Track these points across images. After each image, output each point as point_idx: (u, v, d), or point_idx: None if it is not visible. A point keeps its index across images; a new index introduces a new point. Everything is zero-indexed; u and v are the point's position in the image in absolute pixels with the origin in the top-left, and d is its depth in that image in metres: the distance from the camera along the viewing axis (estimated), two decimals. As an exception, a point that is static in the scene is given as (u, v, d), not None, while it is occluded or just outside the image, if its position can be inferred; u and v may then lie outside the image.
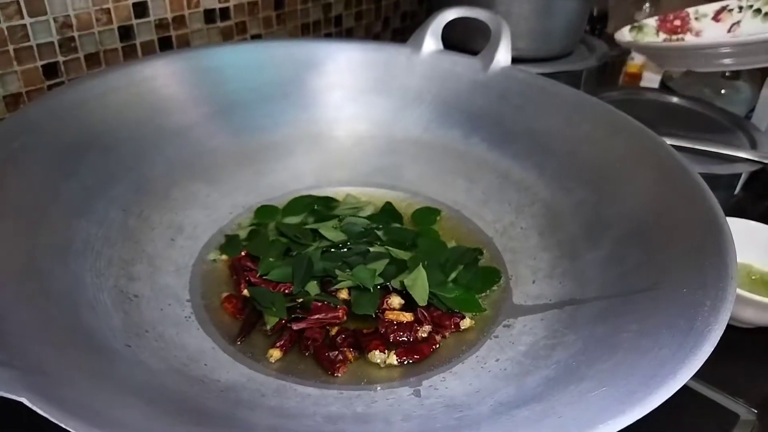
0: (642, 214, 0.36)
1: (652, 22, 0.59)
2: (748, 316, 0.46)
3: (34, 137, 0.36)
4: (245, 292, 0.36)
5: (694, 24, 0.61)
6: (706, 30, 0.61)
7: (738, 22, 0.60)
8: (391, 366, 0.33)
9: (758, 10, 0.60)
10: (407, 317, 0.36)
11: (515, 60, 0.51)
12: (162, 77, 0.44)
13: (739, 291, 0.44)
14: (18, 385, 0.19)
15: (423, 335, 0.35)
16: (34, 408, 0.18)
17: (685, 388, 0.41)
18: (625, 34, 0.57)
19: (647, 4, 0.81)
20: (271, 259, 0.39)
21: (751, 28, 0.59)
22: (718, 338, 0.24)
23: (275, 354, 0.33)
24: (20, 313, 0.25)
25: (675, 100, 0.64)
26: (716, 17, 0.61)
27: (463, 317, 0.36)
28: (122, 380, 0.25)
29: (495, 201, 0.45)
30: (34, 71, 0.46)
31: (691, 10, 0.61)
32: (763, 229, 0.50)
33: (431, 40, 0.50)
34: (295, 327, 0.34)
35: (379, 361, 0.33)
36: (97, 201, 0.37)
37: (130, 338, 0.29)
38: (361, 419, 0.27)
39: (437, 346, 0.34)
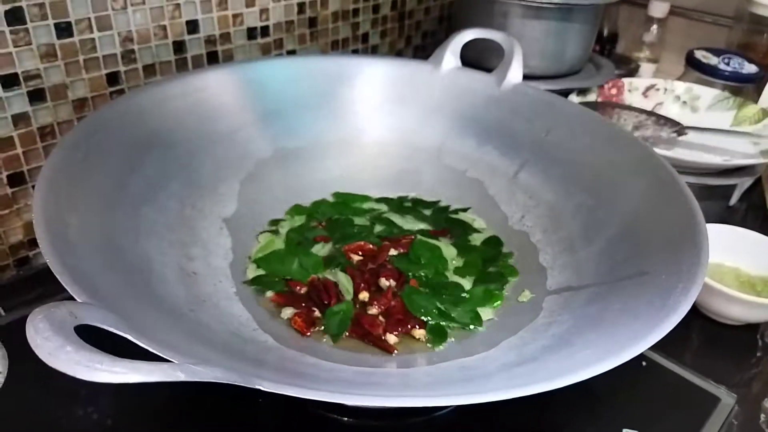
0: (632, 215, 0.41)
1: (594, 90, 0.66)
2: (734, 313, 0.50)
3: (106, 135, 0.42)
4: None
5: (626, 96, 0.68)
6: (635, 104, 0.68)
7: (661, 103, 0.68)
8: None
9: (678, 97, 0.68)
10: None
11: (528, 77, 0.56)
12: (212, 87, 0.50)
13: (727, 290, 0.49)
14: (111, 320, 0.24)
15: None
16: (123, 334, 0.24)
17: (673, 374, 0.46)
18: (572, 99, 0.64)
19: (655, 26, 0.86)
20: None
21: (670, 112, 0.67)
22: (687, 310, 0.29)
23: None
24: (106, 276, 0.31)
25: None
26: (645, 93, 0.69)
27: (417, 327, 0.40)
28: (189, 333, 0.30)
29: (504, 203, 0.50)
30: (99, 79, 0.52)
31: (626, 81, 0.68)
32: (751, 235, 0.55)
33: (451, 58, 0.56)
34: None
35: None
36: (159, 192, 0.42)
37: (192, 305, 0.35)
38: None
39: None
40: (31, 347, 0.20)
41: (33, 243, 0.54)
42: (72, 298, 0.26)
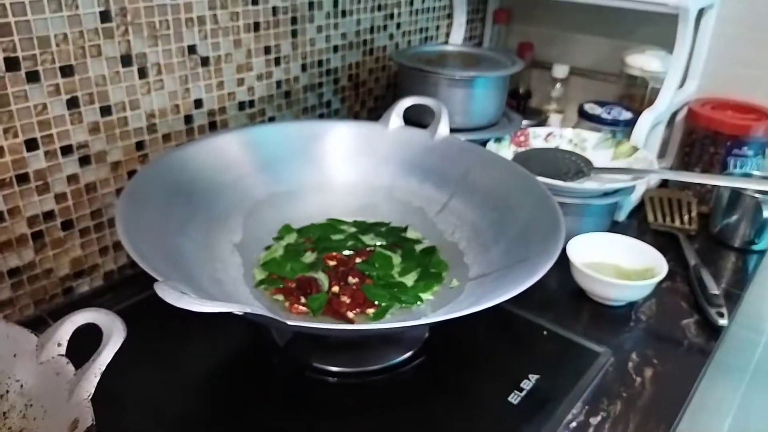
0: (523, 223, 0.59)
1: (507, 137, 0.86)
2: (612, 294, 0.69)
3: (151, 186, 0.58)
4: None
5: (532, 141, 0.88)
6: (538, 147, 0.87)
7: (558, 145, 0.88)
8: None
9: (570, 140, 0.89)
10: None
11: (455, 130, 0.75)
12: (219, 148, 0.67)
13: (605, 278, 0.67)
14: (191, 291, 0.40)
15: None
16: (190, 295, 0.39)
17: (567, 339, 0.63)
18: (490, 147, 0.83)
19: (558, 84, 1.07)
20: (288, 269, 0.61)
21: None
22: (542, 275, 0.47)
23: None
24: (172, 275, 0.47)
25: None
26: (546, 138, 0.89)
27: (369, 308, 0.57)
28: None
29: (440, 223, 0.68)
30: (129, 146, 0.68)
31: (531, 130, 0.88)
32: (627, 240, 0.74)
33: (396, 119, 0.74)
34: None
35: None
36: (188, 226, 0.59)
37: (225, 300, 0.51)
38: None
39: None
40: (164, 299, 0.36)
41: (77, 275, 0.69)
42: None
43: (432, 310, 0.57)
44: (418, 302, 0.58)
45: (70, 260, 0.67)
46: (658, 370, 0.62)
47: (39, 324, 0.64)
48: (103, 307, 0.63)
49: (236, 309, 0.37)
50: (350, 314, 0.56)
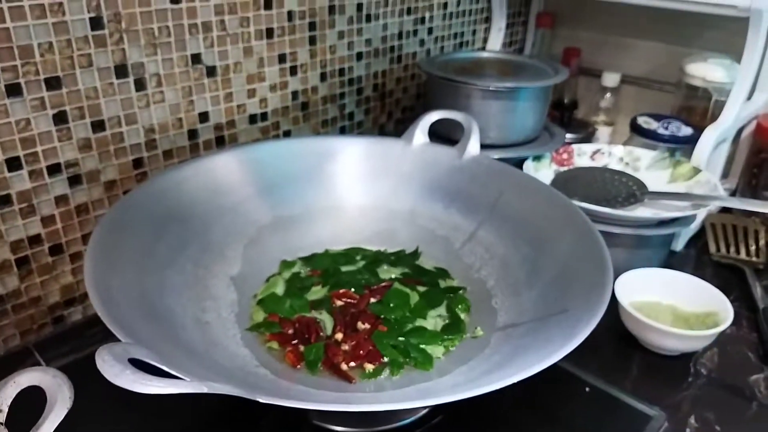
0: (562, 263, 0.50)
1: (548, 155, 0.76)
2: (669, 344, 0.59)
3: (136, 213, 0.51)
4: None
5: (576, 159, 0.78)
6: (583, 166, 0.78)
7: (607, 164, 0.79)
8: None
9: (621, 159, 0.79)
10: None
11: (489, 146, 0.66)
12: (219, 168, 0.60)
13: (660, 325, 0.57)
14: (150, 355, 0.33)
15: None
16: (159, 365, 0.32)
17: (612, 397, 0.54)
18: (528, 166, 0.73)
19: (608, 94, 0.97)
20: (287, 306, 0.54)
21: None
22: (585, 337, 0.38)
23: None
24: (142, 324, 0.40)
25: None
26: (592, 156, 0.79)
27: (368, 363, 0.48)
28: (206, 368, 0.39)
29: (466, 256, 0.60)
30: (126, 164, 0.63)
31: (575, 147, 0.78)
32: (686, 277, 0.64)
33: (420, 135, 0.66)
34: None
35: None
36: (178, 257, 0.52)
37: (207, 347, 0.44)
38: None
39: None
40: (101, 372, 0.29)
41: (68, 303, 0.63)
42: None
43: (449, 363, 0.48)
44: (428, 367, 0.48)
45: (59, 287, 0.62)
46: (722, 438, 0.51)
47: (25, 356, 0.58)
48: (96, 338, 0.59)
49: (190, 389, 0.30)
50: (344, 367, 0.48)
